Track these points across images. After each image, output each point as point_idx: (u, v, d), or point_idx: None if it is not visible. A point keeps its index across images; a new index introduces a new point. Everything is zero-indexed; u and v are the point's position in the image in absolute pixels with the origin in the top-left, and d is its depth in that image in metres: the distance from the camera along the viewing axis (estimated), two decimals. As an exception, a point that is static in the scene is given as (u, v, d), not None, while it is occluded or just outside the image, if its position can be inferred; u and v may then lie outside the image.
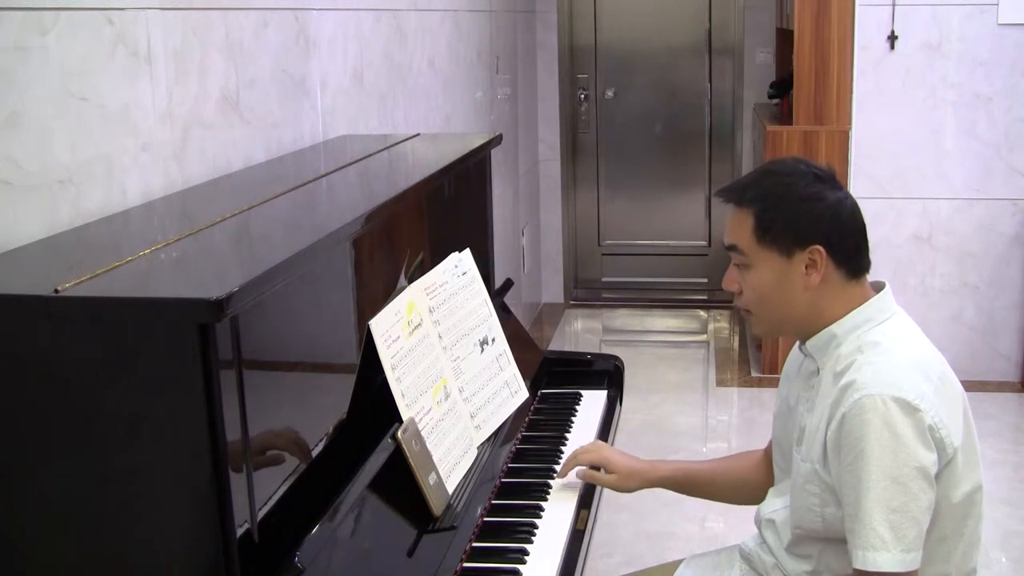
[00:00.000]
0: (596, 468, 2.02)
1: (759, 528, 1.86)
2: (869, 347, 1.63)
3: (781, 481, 1.84)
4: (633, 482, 2.02)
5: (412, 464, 1.67)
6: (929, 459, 1.55)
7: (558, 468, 2.09)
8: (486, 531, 1.83)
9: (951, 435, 1.58)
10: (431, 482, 1.71)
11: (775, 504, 1.82)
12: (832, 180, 1.70)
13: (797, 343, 1.79)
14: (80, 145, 1.61)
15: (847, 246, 1.68)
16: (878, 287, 1.74)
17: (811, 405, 1.70)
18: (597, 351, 5.00)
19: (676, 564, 2.03)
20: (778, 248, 1.67)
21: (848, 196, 1.70)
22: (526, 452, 2.16)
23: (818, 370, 1.70)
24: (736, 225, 1.70)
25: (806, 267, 1.66)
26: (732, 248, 1.72)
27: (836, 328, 1.68)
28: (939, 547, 1.63)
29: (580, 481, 2.02)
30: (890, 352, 1.62)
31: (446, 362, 1.93)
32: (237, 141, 2.11)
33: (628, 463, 2.03)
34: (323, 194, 1.91)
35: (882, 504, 1.53)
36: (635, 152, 6.03)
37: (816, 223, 1.66)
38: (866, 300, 1.69)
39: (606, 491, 2.12)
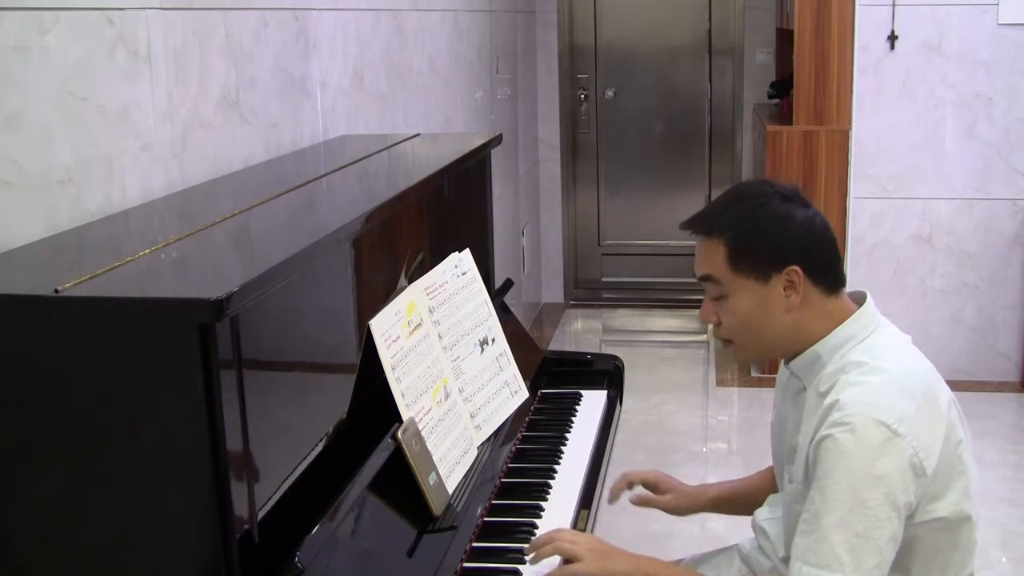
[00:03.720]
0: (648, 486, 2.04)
1: (755, 532, 1.86)
2: (852, 367, 1.60)
3: (781, 489, 1.84)
4: (685, 502, 2.02)
5: (412, 464, 1.67)
6: (901, 488, 1.51)
7: (558, 468, 2.10)
8: (486, 531, 1.83)
9: (930, 456, 1.54)
10: (431, 482, 1.71)
11: (767, 513, 1.82)
12: (799, 198, 1.67)
13: (783, 361, 1.76)
14: (80, 145, 1.61)
15: (823, 262, 1.65)
16: (858, 298, 1.70)
17: (798, 424, 1.68)
18: (597, 351, 5.00)
19: (676, 564, 2.02)
20: (754, 274, 1.63)
21: (817, 213, 1.67)
22: (526, 452, 2.16)
23: (804, 388, 1.68)
24: (707, 255, 1.66)
25: (784, 289, 1.63)
26: (706, 279, 1.67)
27: (819, 348, 1.65)
28: (934, 559, 1.61)
29: (580, 483, 2.02)
30: (874, 371, 1.58)
31: (446, 362, 1.93)
32: (237, 141, 2.11)
33: (682, 486, 2.03)
34: (323, 194, 1.91)
35: (845, 526, 1.49)
36: (635, 152, 6.03)
37: (790, 243, 1.63)
38: (847, 316, 1.66)
39: (606, 491, 2.12)
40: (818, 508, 1.52)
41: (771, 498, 1.87)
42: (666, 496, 2.02)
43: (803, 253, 1.63)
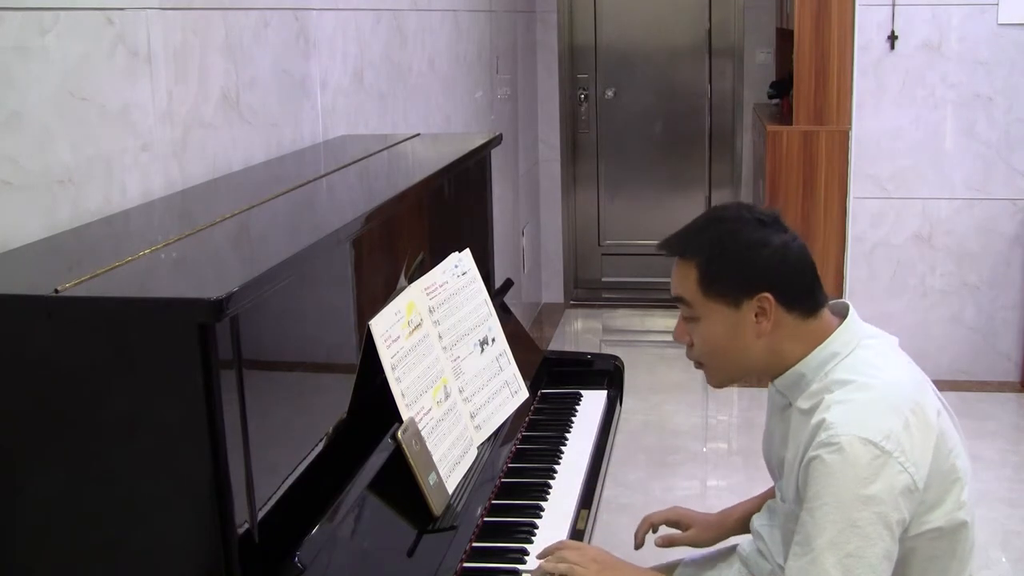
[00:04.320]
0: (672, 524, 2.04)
1: (753, 536, 1.86)
2: (837, 385, 1.58)
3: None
4: (711, 532, 2.01)
5: (412, 464, 1.67)
6: (892, 506, 1.49)
7: (558, 468, 2.10)
8: (486, 531, 1.83)
9: (920, 471, 1.52)
10: (431, 482, 1.71)
11: (765, 519, 1.82)
12: (776, 223, 1.64)
13: (770, 379, 1.73)
14: (80, 145, 1.61)
15: (796, 290, 1.63)
16: (840, 310, 1.68)
17: (784, 439, 1.67)
18: (597, 351, 5.00)
19: (676, 564, 2.03)
20: (725, 299, 1.62)
21: (795, 238, 1.64)
22: (526, 452, 2.16)
23: (790, 404, 1.67)
24: (681, 277, 1.65)
25: (756, 315, 1.61)
26: (679, 300, 1.67)
27: (802, 367, 1.63)
28: (931, 566, 1.61)
29: (580, 483, 2.02)
30: (860, 389, 1.56)
31: (446, 362, 1.93)
32: (237, 141, 2.11)
33: (704, 516, 2.03)
34: (323, 194, 1.91)
35: (837, 546, 1.48)
36: (635, 152, 6.03)
37: (762, 271, 1.61)
38: (828, 334, 1.63)
39: (606, 491, 2.12)
40: (809, 530, 1.51)
41: (769, 503, 1.86)
42: (690, 531, 2.02)
43: (775, 280, 1.61)
